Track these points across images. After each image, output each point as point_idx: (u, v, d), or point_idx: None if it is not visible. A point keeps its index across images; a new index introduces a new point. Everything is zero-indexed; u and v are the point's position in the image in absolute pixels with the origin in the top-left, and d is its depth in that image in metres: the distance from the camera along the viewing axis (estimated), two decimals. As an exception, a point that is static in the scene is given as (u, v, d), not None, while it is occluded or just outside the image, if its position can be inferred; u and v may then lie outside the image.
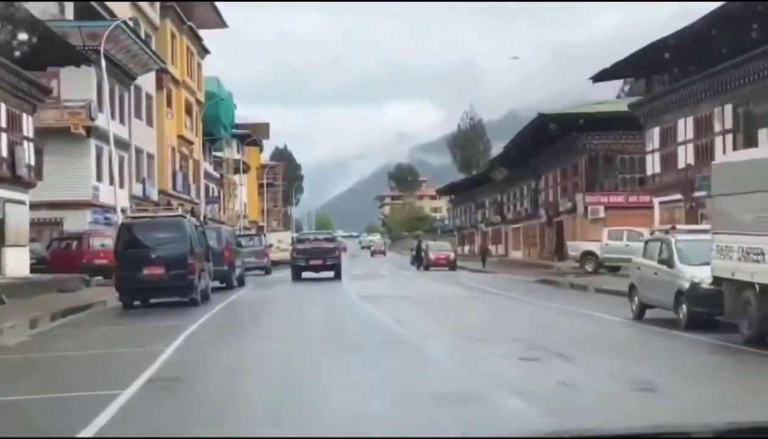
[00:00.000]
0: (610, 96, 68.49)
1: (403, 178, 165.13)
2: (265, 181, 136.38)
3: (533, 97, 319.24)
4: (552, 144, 54.81)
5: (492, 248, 74.25)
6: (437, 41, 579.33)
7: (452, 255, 55.60)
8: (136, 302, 23.35)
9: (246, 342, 15.19)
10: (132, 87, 50.62)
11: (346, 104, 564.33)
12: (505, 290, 30.32)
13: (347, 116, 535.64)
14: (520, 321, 18.93)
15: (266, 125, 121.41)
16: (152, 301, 23.83)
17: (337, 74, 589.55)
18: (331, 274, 37.87)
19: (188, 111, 64.82)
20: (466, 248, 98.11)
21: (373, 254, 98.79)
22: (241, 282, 34.92)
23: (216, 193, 77.21)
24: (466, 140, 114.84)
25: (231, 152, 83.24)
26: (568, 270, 42.95)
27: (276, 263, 63.23)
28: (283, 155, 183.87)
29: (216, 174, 77.88)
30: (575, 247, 41.89)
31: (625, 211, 47.64)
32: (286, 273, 51.16)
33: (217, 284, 31.26)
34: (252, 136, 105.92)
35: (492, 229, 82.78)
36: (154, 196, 55.95)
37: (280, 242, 66.35)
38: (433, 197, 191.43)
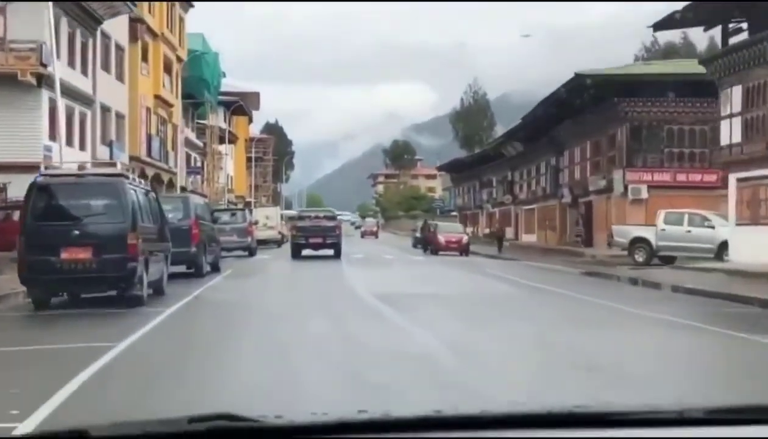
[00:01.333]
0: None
1: (399, 155, 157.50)
2: (253, 155, 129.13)
3: (526, 80, 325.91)
4: (581, 113, 47.70)
5: (500, 230, 67.23)
6: (430, 22, 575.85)
7: (465, 238, 48.58)
8: (58, 297, 16.38)
9: (194, 399, 7.96)
10: (99, 34, 43.29)
11: (336, 84, 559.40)
12: (558, 286, 23.30)
13: (338, 96, 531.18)
14: (673, 354, 11.71)
15: (256, 95, 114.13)
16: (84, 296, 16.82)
17: (328, 53, 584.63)
18: (330, 252, 37.52)
19: (167, 69, 57.43)
20: (469, 230, 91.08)
21: (363, 235, 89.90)
22: (216, 267, 27.82)
23: (198, 164, 69.88)
24: (469, 115, 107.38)
25: (216, 119, 75.83)
26: (605, 258, 35.95)
27: (263, 242, 56.37)
28: (273, 130, 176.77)
29: (199, 143, 70.52)
30: (623, 232, 34.76)
31: (672, 192, 40.70)
32: (273, 254, 44.32)
33: (182, 269, 24.15)
34: (240, 103, 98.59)
35: (500, 210, 75.76)
36: (124, 161, 48.74)
37: (267, 219, 59.33)
38: (429, 176, 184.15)
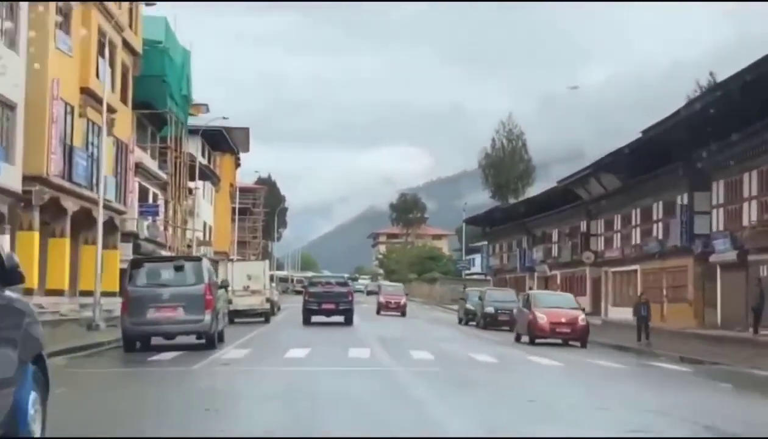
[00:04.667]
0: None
1: (407, 210, 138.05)
2: (237, 205, 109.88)
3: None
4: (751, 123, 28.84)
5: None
6: (425, 86, 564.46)
7: (581, 318, 29.08)
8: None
9: None
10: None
11: (330, 146, 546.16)
12: None
13: (332, 158, 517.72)
14: None
15: (245, 131, 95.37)
16: None
17: (323, 115, 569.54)
18: (341, 319, 37.63)
19: (110, 58, 38.35)
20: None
21: (381, 309, 54.69)
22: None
23: (157, 202, 50.42)
24: (503, 159, 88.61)
25: (186, 145, 56.51)
26: None
27: (241, 314, 37.48)
28: (265, 184, 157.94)
29: (162, 174, 51.20)
30: None
31: None
32: (256, 341, 25.33)
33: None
34: (224, 134, 79.70)
35: (564, 273, 56.61)
36: (12, 183, 29.47)
37: (250, 279, 39.75)
38: (436, 237, 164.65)
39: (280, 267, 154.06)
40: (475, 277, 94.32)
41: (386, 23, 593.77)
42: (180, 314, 21.36)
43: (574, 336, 28.30)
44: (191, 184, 59.60)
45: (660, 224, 41.64)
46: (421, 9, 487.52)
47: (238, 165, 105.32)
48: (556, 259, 58.56)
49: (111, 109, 36.69)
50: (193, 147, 67.41)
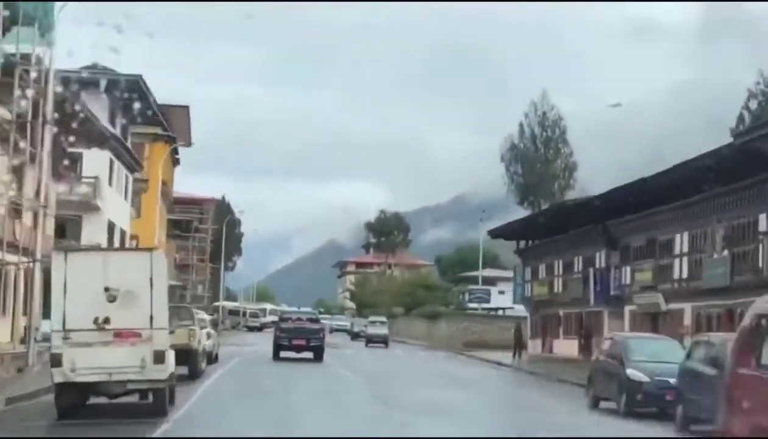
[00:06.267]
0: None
1: (388, 231, 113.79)
2: (177, 217, 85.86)
3: (482, 181, 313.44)
4: None
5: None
6: (385, 119, 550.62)
7: None
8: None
9: None
10: None
11: (287, 178, 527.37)
12: None
13: (287, 191, 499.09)
14: None
15: (184, 112, 71.48)
16: None
17: (279, 147, 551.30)
18: (310, 355, 36.97)
19: None
20: (562, 344, 48.71)
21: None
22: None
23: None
24: (534, 151, 65.77)
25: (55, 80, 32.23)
26: None
27: (86, 390, 13.16)
28: (219, 206, 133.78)
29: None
30: None
31: None
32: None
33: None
34: (147, 95, 56.26)
35: (705, 305, 33.38)
36: None
37: (113, 300, 15.68)
38: (416, 266, 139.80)
39: (232, 298, 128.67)
40: (491, 313, 70.90)
41: (348, 53, 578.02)
42: None
43: None
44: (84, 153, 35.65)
45: None
46: (384, 39, 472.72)
47: (176, 162, 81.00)
48: (682, 282, 35.26)
49: None
50: (99, 111, 44.19)
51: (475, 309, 68.50)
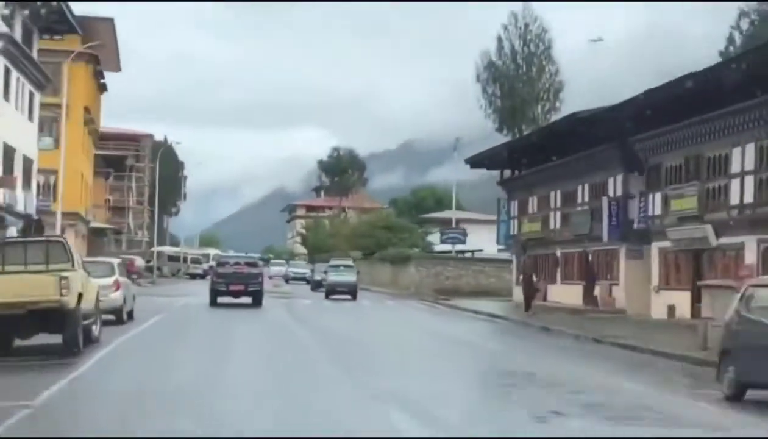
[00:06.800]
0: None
1: (342, 169, 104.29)
2: (105, 152, 76.79)
3: (429, 129, 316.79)
4: None
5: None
6: (333, 66, 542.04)
7: None
8: None
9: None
10: None
11: (234, 127, 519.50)
12: None
13: (235, 140, 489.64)
14: None
15: (108, 26, 61.18)
16: None
17: (227, 96, 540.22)
18: (249, 300, 35.77)
19: None
20: (560, 291, 40.58)
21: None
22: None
23: None
24: (515, 70, 56.90)
25: None
26: None
27: None
28: (160, 147, 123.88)
29: None
30: None
31: None
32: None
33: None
34: (69, 22, 46.76)
35: (730, 240, 25.38)
36: None
37: None
38: (371, 210, 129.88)
39: (174, 244, 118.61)
40: (468, 255, 62.57)
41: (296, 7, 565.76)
42: None
43: None
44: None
45: None
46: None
47: (103, 88, 71.03)
48: (743, 209, 26.94)
49: None
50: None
51: (449, 252, 59.95)
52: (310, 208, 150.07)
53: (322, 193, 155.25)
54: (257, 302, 35.74)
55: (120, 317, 23.57)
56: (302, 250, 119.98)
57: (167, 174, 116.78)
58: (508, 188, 47.92)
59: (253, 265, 37.53)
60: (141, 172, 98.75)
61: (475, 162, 49.41)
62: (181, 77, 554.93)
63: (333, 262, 50.43)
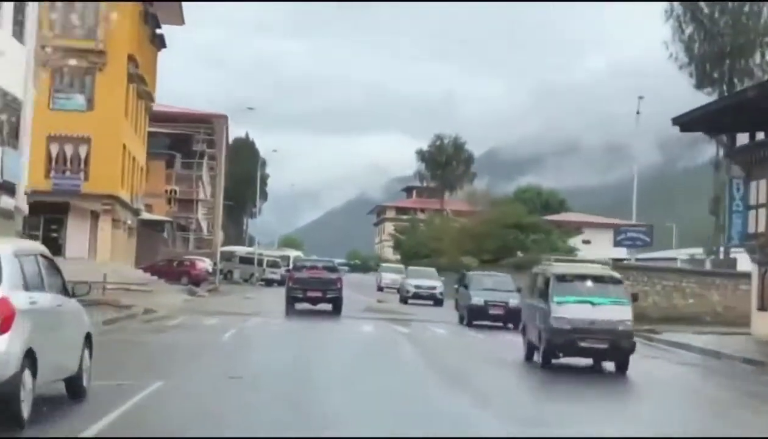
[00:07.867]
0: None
1: (445, 161, 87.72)
2: (161, 129, 62.37)
3: (514, 136, 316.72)
4: None
5: None
6: (416, 75, 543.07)
7: None
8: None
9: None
10: None
11: (319, 132, 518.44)
12: None
13: (319, 145, 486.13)
14: None
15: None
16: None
17: (312, 101, 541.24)
18: (329, 307, 35.01)
19: None
20: None
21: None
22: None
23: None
24: (715, 7, 40.62)
25: None
26: None
27: None
28: (242, 144, 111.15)
29: None
30: None
31: None
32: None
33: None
34: None
35: None
36: None
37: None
38: (470, 213, 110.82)
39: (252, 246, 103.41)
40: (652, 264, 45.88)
41: (379, 14, 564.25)
42: None
43: None
44: None
45: None
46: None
47: (160, 43, 56.59)
48: None
49: None
50: None
51: (622, 260, 43.27)
52: (400, 210, 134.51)
53: (414, 194, 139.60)
54: (337, 309, 34.78)
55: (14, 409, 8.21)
56: (392, 255, 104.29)
57: (245, 170, 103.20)
58: (743, 161, 31.27)
59: (332, 269, 36.69)
60: (214, 159, 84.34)
61: (685, 124, 32.85)
62: (262, 82, 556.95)
63: (475, 273, 35.51)
